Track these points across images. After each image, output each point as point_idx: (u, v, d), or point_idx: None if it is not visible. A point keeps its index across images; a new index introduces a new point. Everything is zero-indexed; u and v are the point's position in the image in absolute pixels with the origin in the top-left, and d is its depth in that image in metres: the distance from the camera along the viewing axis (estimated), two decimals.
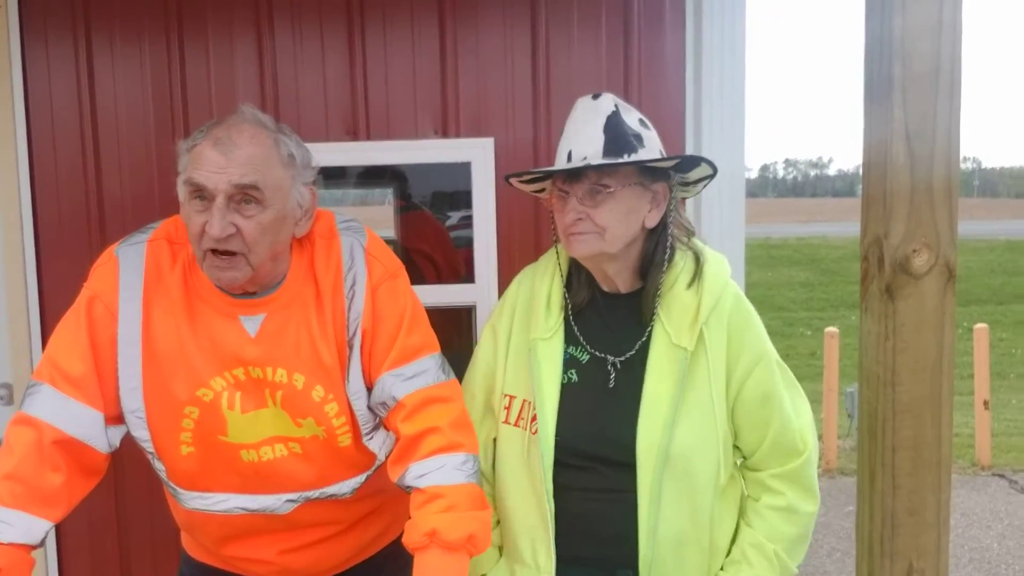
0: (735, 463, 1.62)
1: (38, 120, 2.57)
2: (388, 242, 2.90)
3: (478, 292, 2.54)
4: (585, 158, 1.51)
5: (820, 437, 6.68)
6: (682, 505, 1.53)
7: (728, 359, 1.55)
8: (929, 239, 1.26)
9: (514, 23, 2.54)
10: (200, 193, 1.43)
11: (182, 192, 1.48)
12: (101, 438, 1.53)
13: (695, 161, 1.57)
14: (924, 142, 1.24)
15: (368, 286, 1.58)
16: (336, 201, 3.23)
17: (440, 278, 2.85)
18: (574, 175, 1.53)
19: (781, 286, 17.47)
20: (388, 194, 3.15)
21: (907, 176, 1.25)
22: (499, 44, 2.54)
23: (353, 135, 2.55)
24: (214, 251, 1.45)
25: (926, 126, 1.24)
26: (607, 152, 1.51)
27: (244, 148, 1.44)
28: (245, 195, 1.43)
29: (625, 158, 1.51)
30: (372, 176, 2.92)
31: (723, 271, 1.61)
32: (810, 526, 1.60)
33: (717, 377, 1.54)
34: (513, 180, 1.66)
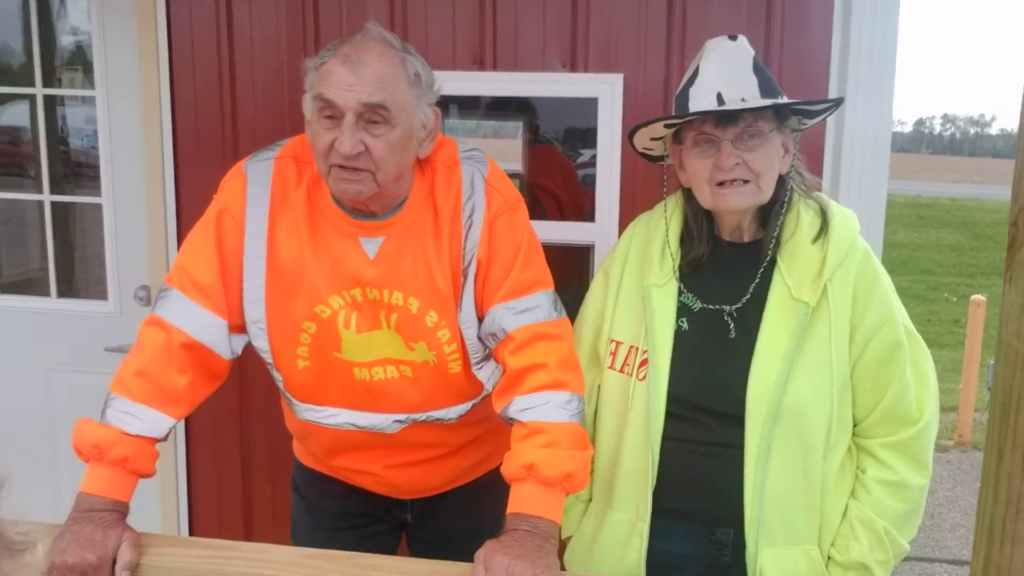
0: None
1: (179, 40, 2.65)
2: (513, 176, 2.90)
3: (598, 231, 2.48)
4: (743, 99, 1.44)
5: (956, 409, 6.36)
6: (792, 464, 1.47)
7: (852, 318, 1.48)
8: None
9: None
10: (329, 110, 1.45)
11: (310, 108, 1.50)
12: (224, 345, 1.59)
13: (835, 106, 1.51)
14: None
15: (486, 217, 1.58)
16: (469, 132, 3.22)
17: (563, 215, 2.81)
18: (728, 119, 1.45)
19: (928, 247, 16.54)
20: (520, 127, 3.11)
21: None
22: None
23: (480, 65, 2.51)
24: (340, 166, 1.46)
25: None
26: (763, 93, 1.45)
27: (373, 66, 1.45)
28: (374, 113, 1.45)
29: (780, 99, 1.46)
30: (503, 108, 2.89)
31: (852, 226, 1.52)
32: (921, 500, 1.53)
33: (839, 335, 1.46)
34: (645, 129, 1.57)
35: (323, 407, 1.65)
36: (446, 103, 2.59)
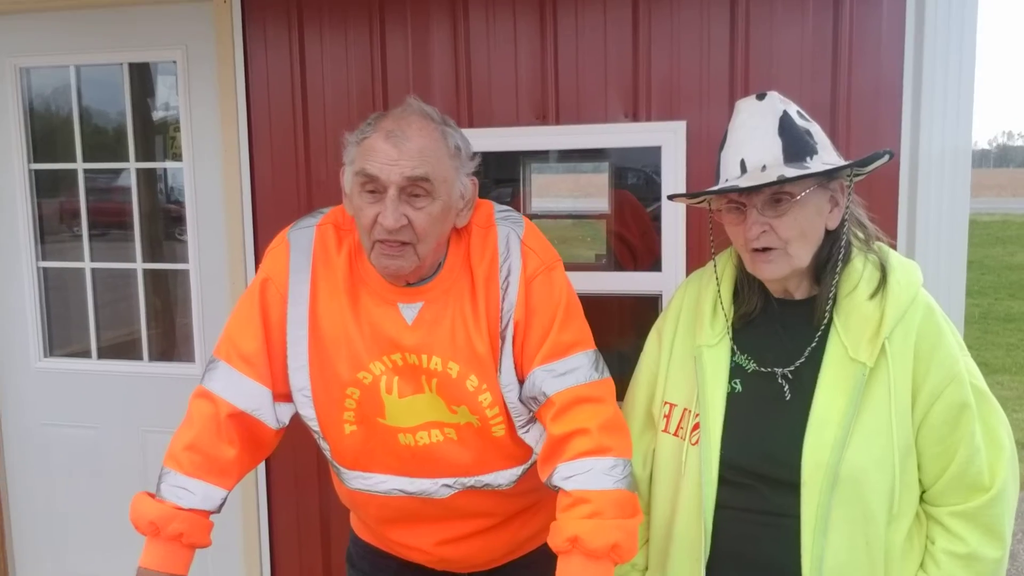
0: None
1: (257, 102, 2.76)
2: (599, 217, 2.89)
3: (664, 281, 2.44)
4: (764, 166, 1.39)
5: None
6: (853, 535, 1.38)
7: (914, 378, 1.39)
8: None
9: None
10: (372, 185, 1.47)
11: (351, 183, 1.52)
12: (269, 414, 1.62)
13: (881, 154, 1.42)
14: None
15: (523, 278, 1.57)
16: (573, 170, 3.29)
17: (636, 262, 2.78)
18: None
19: None
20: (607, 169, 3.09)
21: None
22: (695, 20, 2.40)
23: (543, 119, 2.52)
24: (383, 241, 1.48)
25: None
26: (788, 158, 1.39)
27: (415, 140, 1.46)
28: (416, 187, 1.46)
29: (808, 161, 1.39)
30: (590, 151, 2.89)
31: (913, 280, 1.44)
32: (997, 573, 1.41)
33: (899, 396, 1.38)
34: (680, 199, 1.58)
35: (371, 473, 1.66)
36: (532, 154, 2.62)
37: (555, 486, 1.51)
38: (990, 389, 1.45)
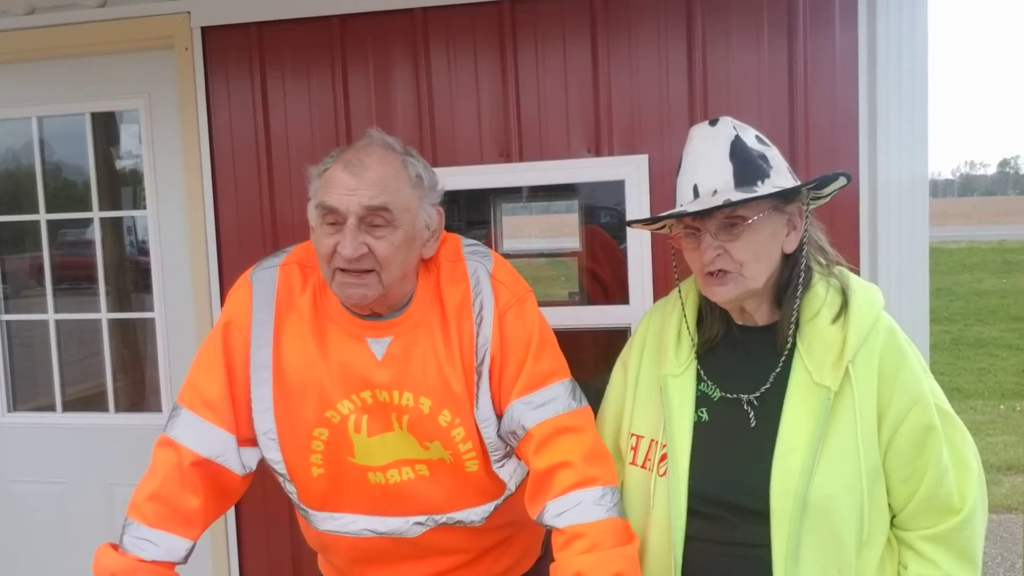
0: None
1: (220, 148, 2.76)
2: (571, 255, 2.90)
3: (632, 313, 2.44)
4: (715, 191, 1.40)
5: None
6: (825, 563, 1.37)
7: (879, 401, 1.39)
8: None
9: (669, 34, 2.43)
10: (332, 216, 1.46)
11: (314, 216, 1.51)
12: (234, 460, 1.59)
13: (833, 177, 1.43)
14: None
15: (495, 311, 1.56)
16: (543, 209, 3.29)
17: (607, 296, 2.78)
18: (706, 211, 1.42)
19: (1017, 294, 15.68)
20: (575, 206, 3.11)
21: None
22: (653, 56, 2.44)
23: (506, 157, 2.53)
24: (343, 269, 1.47)
25: None
26: (739, 182, 1.40)
27: (374, 169, 1.46)
28: (375, 216, 1.46)
29: (759, 185, 1.40)
30: (559, 190, 2.90)
31: (874, 303, 1.44)
32: None
33: (865, 421, 1.38)
34: (637, 225, 1.58)
35: (341, 514, 1.63)
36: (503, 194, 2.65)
37: (547, 525, 1.49)
38: (964, 415, 1.45)
